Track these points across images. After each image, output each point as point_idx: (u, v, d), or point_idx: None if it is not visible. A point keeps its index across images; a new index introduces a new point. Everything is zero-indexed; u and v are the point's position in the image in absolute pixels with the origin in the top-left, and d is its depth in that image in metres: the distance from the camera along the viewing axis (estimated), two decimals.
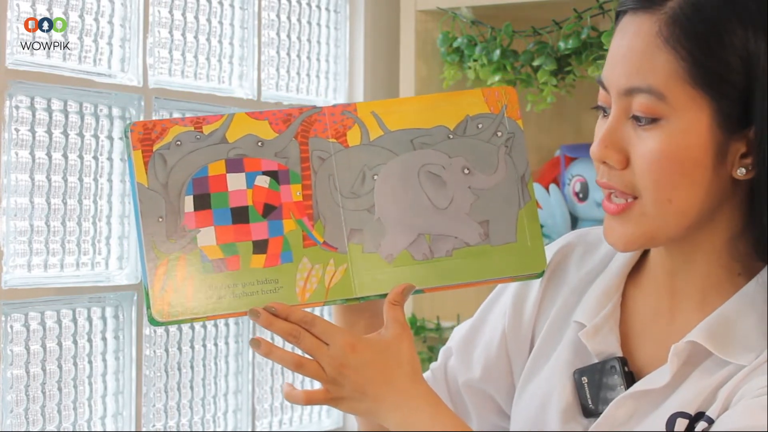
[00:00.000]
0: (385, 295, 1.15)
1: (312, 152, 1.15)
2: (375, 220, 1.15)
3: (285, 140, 1.15)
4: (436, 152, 1.17)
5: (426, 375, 1.34)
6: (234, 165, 1.13)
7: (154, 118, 1.97)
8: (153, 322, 1.11)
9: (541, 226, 1.24)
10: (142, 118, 1.94)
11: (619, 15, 1.11)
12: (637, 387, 1.12)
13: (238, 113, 1.15)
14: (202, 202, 1.12)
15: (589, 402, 1.15)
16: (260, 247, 1.13)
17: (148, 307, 1.11)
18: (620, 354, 1.15)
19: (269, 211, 1.13)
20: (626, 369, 1.14)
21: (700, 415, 1.07)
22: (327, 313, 2.01)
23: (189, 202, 1.12)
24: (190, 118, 1.14)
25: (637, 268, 1.20)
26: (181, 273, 1.11)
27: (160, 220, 1.11)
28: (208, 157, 1.13)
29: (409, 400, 1.10)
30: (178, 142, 1.13)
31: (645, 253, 1.20)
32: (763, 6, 1.04)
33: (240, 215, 1.13)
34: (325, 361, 1.10)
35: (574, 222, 2.28)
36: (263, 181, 1.14)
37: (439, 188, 1.17)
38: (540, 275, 1.19)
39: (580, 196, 2.25)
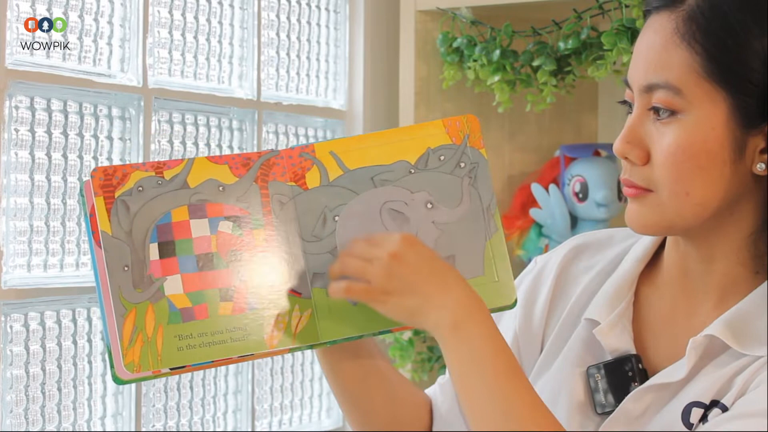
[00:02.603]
0: (351, 338, 1.14)
1: (272, 196, 1.13)
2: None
3: (245, 185, 1.13)
4: (398, 188, 1.15)
5: (433, 388, 1.33)
6: (197, 211, 1.11)
7: (154, 118, 1.97)
8: (118, 381, 1.09)
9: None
10: (142, 119, 1.95)
11: (645, 15, 1.13)
12: (654, 380, 1.13)
13: (198, 158, 1.14)
14: (167, 250, 1.10)
15: (603, 399, 1.16)
16: (227, 294, 1.11)
17: (112, 366, 1.09)
18: (634, 351, 1.16)
19: (234, 257, 1.12)
20: (640, 366, 1.15)
21: (714, 404, 1.08)
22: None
23: (154, 250, 1.10)
24: (150, 163, 1.13)
25: (650, 267, 1.21)
26: (150, 324, 1.08)
27: (126, 269, 1.09)
28: (171, 203, 1.11)
29: (463, 309, 1.08)
30: (140, 188, 1.10)
31: (658, 252, 1.21)
32: None
33: (205, 262, 1.11)
34: (383, 247, 1.09)
35: (574, 222, 2.28)
36: (226, 226, 1.12)
37: (403, 225, 1.15)
38: (511, 307, 1.17)
39: (580, 196, 2.25)
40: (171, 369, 1.09)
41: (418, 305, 1.08)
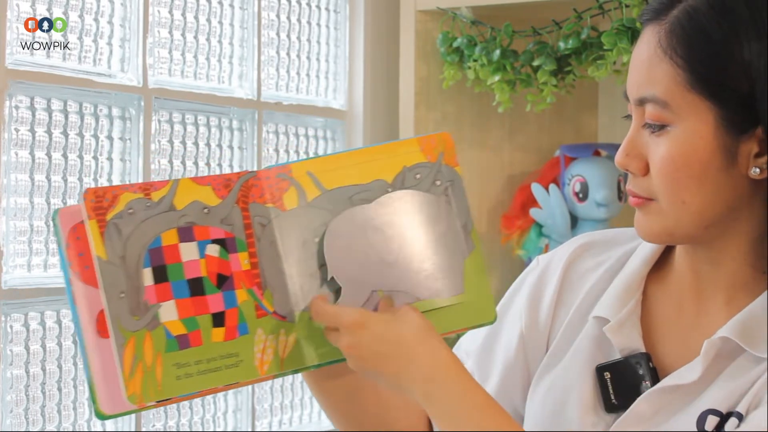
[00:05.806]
0: (336, 361, 1.13)
1: (253, 218, 1.11)
2: (329, 280, 1.12)
3: (228, 206, 1.11)
4: (378, 206, 1.14)
5: None
6: (185, 234, 1.08)
7: (154, 118, 1.97)
8: (101, 416, 1.06)
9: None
10: (142, 118, 1.95)
11: (643, 27, 1.15)
12: (666, 382, 1.13)
13: (183, 179, 1.10)
14: (160, 275, 1.07)
15: (612, 398, 1.16)
16: (218, 319, 1.09)
17: (94, 402, 1.06)
18: (643, 350, 1.16)
19: (222, 281, 1.09)
20: (650, 365, 1.15)
21: (731, 414, 1.08)
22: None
23: (148, 275, 1.06)
24: (138, 184, 1.08)
25: (659, 266, 1.21)
26: (149, 352, 1.05)
27: (122, 295, 1.05)
28: (160, 225, 1.08)
29: (430, 377, 1.09)
30: (131, 211, 1.06)
31: (667, 252, 1.21)
32: (758, 13, 1.07)
33: (196, 287, 1.08)
34: (341, 336, 1.11)
35: (574, 222, 2.29)
36: (213, 250, 1.09)
37: (386, 242, 1.14)
38: (492, 323, 1.17)
39: (580, 196, 2.26)
40: (157, 401, 1.06)
41: (389, 383, 1.11)
